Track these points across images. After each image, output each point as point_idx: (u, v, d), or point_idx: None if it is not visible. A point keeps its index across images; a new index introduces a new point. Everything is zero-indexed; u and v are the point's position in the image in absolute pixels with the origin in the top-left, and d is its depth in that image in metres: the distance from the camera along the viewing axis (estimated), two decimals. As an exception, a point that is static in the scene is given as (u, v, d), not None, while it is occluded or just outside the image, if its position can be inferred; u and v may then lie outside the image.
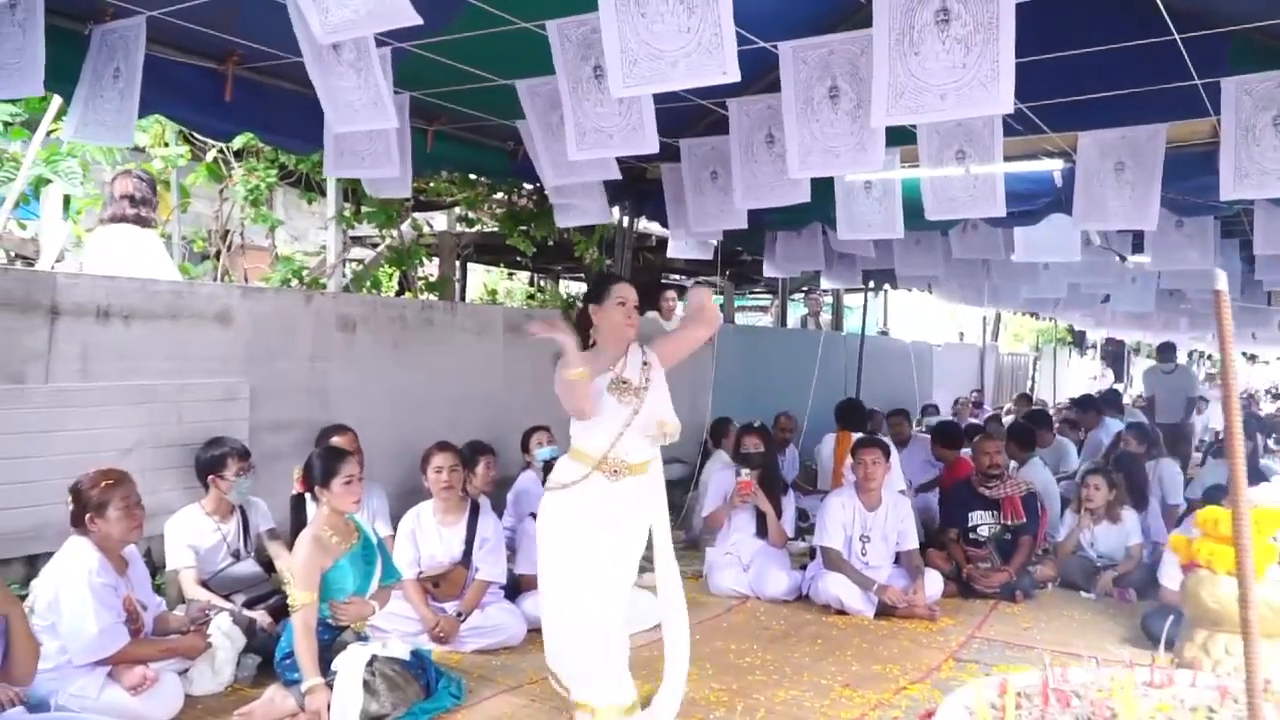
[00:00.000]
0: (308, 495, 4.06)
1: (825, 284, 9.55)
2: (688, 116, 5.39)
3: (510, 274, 11.84)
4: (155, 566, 4.47)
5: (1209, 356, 28.27)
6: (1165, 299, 10.05)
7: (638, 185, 6.57)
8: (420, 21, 2.77)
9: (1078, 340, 22.98)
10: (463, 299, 9.79)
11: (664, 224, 7.24)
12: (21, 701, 3.14)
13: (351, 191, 5.93)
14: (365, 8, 2.75)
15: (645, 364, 3.49)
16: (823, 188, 5.48)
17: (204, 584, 4.32)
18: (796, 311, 12.29)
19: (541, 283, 12.03)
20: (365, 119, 3.58)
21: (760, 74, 4.39)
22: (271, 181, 5.40)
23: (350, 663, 3.54)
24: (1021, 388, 17.65)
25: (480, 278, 11.45)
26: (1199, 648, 2.41)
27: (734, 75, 2.72)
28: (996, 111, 2.79)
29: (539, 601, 3.68)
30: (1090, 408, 9.68)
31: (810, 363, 9.45)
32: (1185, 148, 4.85)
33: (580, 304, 3.54)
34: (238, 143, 5.18)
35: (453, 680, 3.86)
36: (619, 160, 6.15)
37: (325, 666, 3.60)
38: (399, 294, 7.29)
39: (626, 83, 2.88)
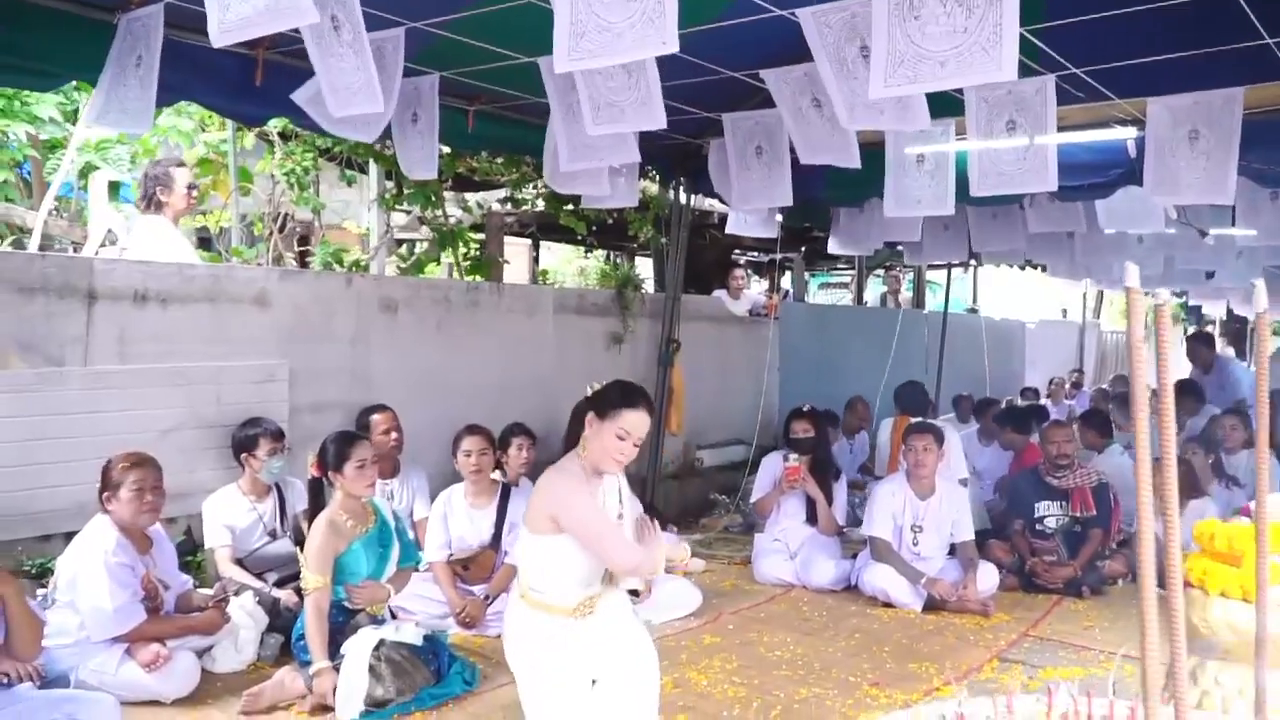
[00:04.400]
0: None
1: (909, 260, 9.18)
2: (737, 91, 5.21)
3: (587, 253, 11.80)
4: (196, 545, 4.59)
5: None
6: (1276, 275, 9.36)
7: (693, 161, 6.41)
8: (317, 19, 2.71)
9: (1194, 316, 21.68)
10: (534, 280, 9.80)
11: (721, 201, 7.08)
12: (40, 676, 3.25)
13: (389, 174, 5.95)
14: (263, 4, 2.70)
15: (620, 490, 3.01)
16: (880, 162, 5.24)
17: (239, 562, 4.41)
18: (877, 289, 11.90)
19: (617, 260, 11.95)
20: (361, 102, 3.53)
21: (792, 43, 4.20)
22: (308, 165, 5.46)
23: (357, 647, 3.55)
24: (1126, 368, 16.75)
25: (553, 257, 11.42)
26: (1188, 675, 2.18)
27: (673, 46, 2.57)
28: (999, 79, 2.56)
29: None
30: (1190, 394, 9.08)
31: (886, 343, 9.14)
32: (1268, 113, 4.44)
33: (586, 399, 2.98)
34: (278, 125, 5.22)
35: (467, 666, 3.84)
36: (671, 136, 6.10)
37: (338, 649, 3.63)
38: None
39: (572, 56, 2.76)
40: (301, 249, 6.30)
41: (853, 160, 4.38)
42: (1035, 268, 11.45)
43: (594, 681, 3.03)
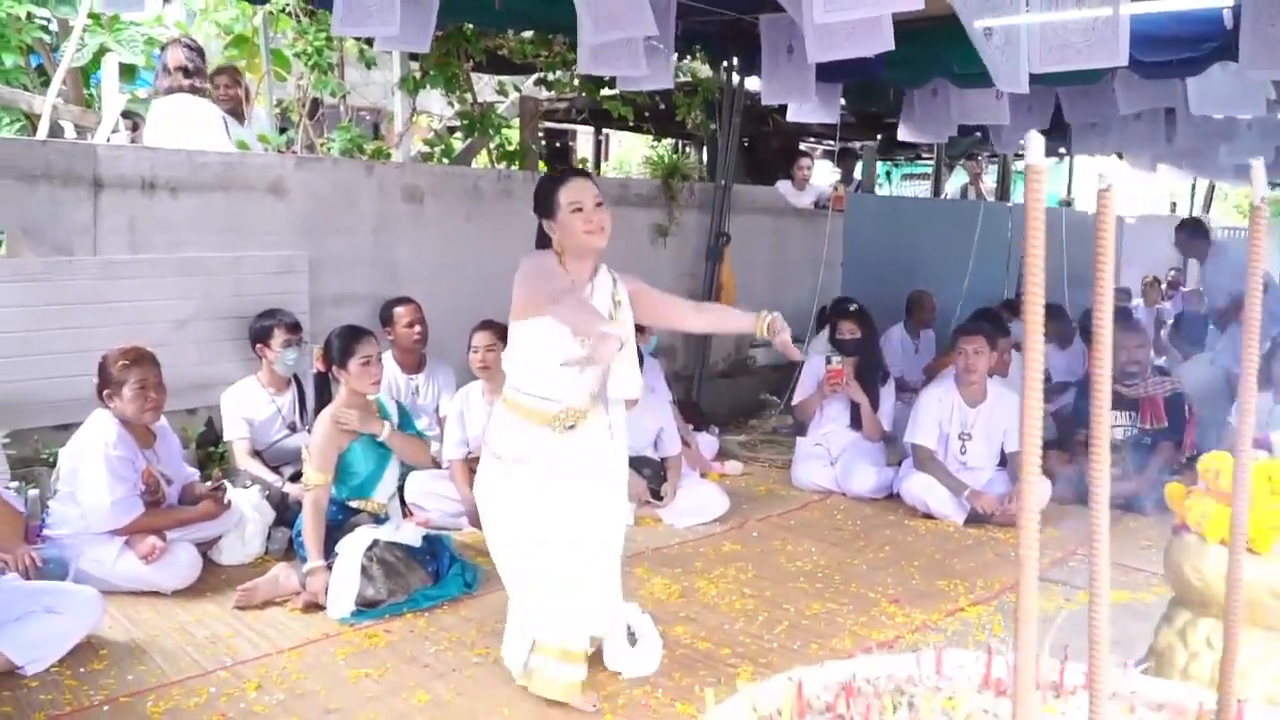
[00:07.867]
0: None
1: (998, 148, 8.51)
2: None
3: (655, 143, 11.36)
4: (217, 436, 4.58)
5: None
6: None
7: (746, 40, 5.96)
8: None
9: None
10: (597, 170, 9.47)
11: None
12: (37, 568, 3.26)
13: (414, 55, 5.65)
14: None
15: (617, 301, 2.84)
16: (943, 39, 4.76)
17: (258, 455, 4.40)
18: (960, 181, 11.18)
19: (686, 148, 11.48)
20: None
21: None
22: (320, 44, 5.21)
23: (350, 547, 3.48)
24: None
25: (622, 148, 10.99)
26: (1176, 633, 1.89)
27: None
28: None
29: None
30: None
31: (963, 238, 8.60)
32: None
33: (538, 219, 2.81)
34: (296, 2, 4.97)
35: (468, 568, 3.75)
36: (719, 10, 5.65)
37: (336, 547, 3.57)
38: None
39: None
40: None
41: (885, 42, 3.93)
42: (1135, 158, 10.60)
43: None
